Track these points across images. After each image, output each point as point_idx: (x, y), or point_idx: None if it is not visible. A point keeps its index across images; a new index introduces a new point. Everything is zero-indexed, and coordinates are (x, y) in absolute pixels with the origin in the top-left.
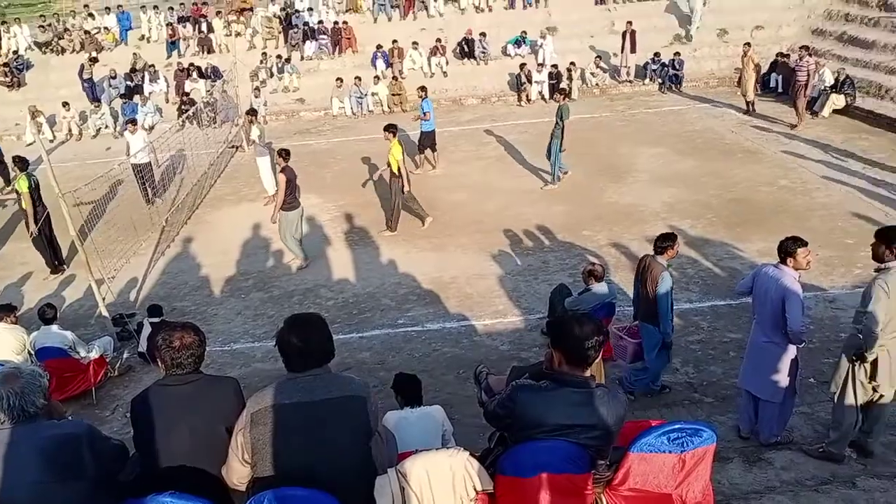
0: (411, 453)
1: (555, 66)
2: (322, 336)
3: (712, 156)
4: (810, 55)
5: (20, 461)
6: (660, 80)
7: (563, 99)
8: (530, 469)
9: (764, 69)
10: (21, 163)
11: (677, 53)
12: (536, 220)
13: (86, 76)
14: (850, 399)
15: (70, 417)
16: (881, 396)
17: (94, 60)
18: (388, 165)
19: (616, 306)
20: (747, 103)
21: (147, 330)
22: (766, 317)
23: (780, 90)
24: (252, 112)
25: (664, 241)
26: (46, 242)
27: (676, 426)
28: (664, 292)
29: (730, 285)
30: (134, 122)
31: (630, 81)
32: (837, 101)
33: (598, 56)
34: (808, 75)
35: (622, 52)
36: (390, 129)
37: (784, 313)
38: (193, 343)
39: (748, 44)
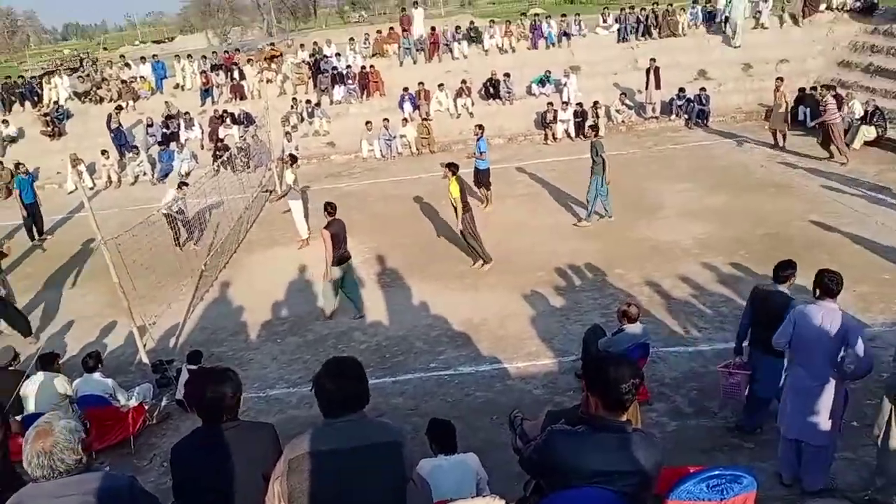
0: (446, 502)
1: (580, 104)
2: (357, 381)
3: (742, 191)
4: (834, 96)
5: None
6: (686, 116)
7: (595, 135)
8: None
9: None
10: None
11: (703, 89)
12: (568, 259)
13: (113, 125)
14: (894, 443)
15: (108, 468)
16: None
17: (119, 109)
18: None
19: (650, 346)
20: (776, 137)
21: (185, 376)
22: (814, 358)
23: (809, 124)
24: (292, 158)
25: (786, 270)
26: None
27: (716, 472)
28: None
29: None
30: (186, 184)
31: (656, 118)
32: (868, 132)
33: (622, 93)
34: (838, 113)
35: (647, 88)
36: (450, 166)
37: (841, 350)
38: (226, 394)
39: (780, 78)
